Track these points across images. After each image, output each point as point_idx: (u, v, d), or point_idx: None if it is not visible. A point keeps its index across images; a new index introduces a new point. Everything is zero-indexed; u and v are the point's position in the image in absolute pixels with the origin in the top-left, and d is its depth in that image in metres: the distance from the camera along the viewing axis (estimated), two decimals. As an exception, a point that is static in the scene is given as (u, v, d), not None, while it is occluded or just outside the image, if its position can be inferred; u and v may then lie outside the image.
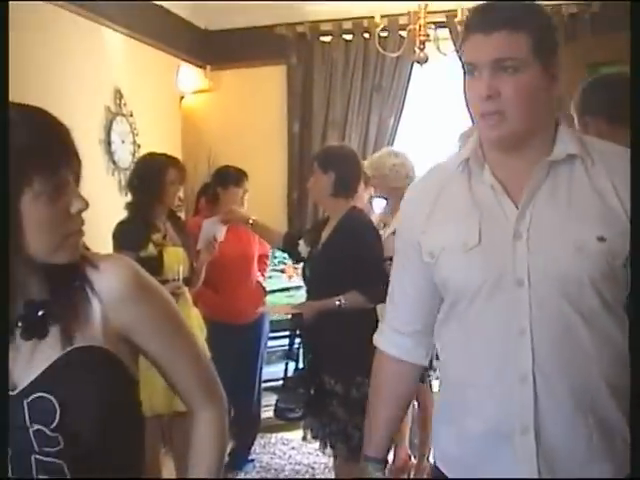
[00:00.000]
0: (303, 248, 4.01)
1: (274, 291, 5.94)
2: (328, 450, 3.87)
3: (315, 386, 3.73)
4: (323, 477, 5.09)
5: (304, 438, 4.02)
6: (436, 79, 6.29)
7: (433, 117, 6.54)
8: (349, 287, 3.70)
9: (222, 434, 1.72)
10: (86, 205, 1.45)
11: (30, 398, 1.38)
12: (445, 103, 6.32)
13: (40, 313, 1.42)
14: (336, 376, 3.69)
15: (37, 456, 1.32)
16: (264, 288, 5.41)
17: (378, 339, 2.15)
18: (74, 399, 1.39)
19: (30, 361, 1.41)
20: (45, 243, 1.41)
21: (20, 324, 1.41)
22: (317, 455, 5.47)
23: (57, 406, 1.37)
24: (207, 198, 5.42)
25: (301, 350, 4.02)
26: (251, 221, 4.33)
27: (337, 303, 3.68)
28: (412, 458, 4.75)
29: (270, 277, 5.95)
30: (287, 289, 6.14)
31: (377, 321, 2.21)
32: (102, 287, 1.49)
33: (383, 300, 2.16)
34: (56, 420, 1.37)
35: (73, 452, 1.39)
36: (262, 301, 5.34)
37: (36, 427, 1.32)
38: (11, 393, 1.38)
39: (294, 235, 4.25)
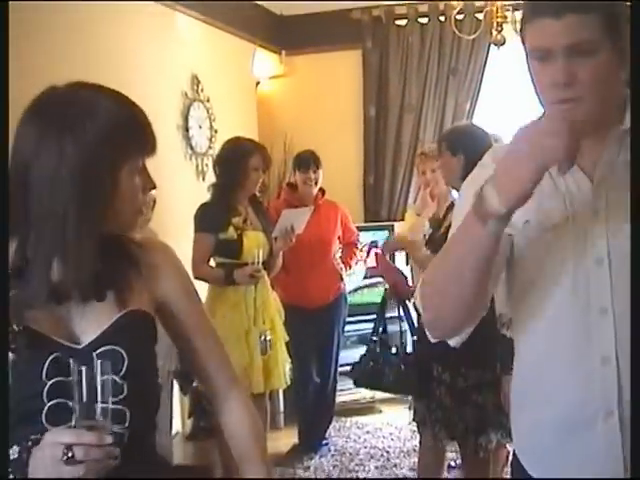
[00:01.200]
0: (426, 229, 3.98)
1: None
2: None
3: (423, 372, 3.74)
4: (397, 461, 5.09)
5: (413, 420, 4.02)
6: (514, 61, 6.18)
7: (511, 100, 6.45)
8: None
9: (256, 416, 1.81)
10: (155, 186, 1.61)
11: (99, 350, 1.50)
12: (524, 86, 6.23)
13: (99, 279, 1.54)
14: (443, 364, 3.65)
15: (103, 405, 1.38)
16: (341, 274, 5.42)
17: None
18: (136, 352, 1.54)
19: (90, 320, 1.53)
20: (126, 215, 1.57)
21: (77, 288, 1.52)
22: (392, 439, 5.50)
23: (125, 356, 1.51)
24: (288, 183, 5.50)
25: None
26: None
27: None
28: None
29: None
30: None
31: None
32: (144, 262, 1.64)
33: None
34: (124, 369, 1.50)
35: (135, 400, 1.51)
36: (338, 286, 5.36)
37: (105, 377, 1.38)
38: (77, 347, 1.50)
39: None
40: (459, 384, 3.62)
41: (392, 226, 6.22)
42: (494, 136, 4.09)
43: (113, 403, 1.41)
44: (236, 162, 4.29)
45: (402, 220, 6.06)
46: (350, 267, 5.59)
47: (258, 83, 6.70)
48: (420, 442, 4.05)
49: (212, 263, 4.32)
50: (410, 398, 4.10)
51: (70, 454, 1.30)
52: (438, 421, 3.71)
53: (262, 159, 4.38)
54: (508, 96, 6.45)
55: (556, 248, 1.75)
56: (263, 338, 4.30)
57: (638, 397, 1.61)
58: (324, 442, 5.37)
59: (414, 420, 3.95)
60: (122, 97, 1.55)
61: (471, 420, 3.61)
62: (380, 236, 6.07)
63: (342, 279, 5.45)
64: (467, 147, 3.60)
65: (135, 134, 1.54)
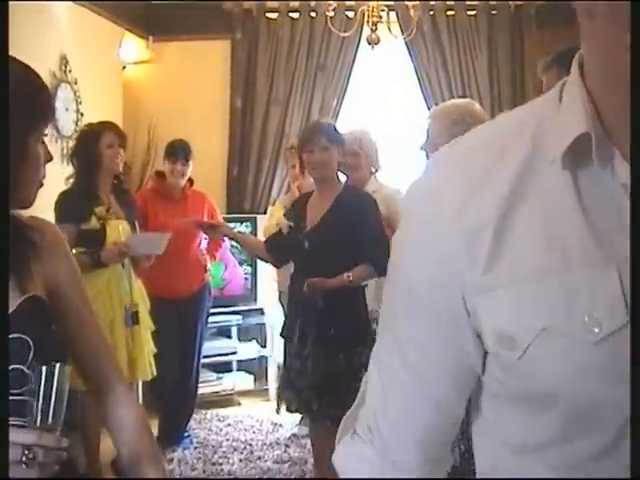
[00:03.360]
0: (284, 224, 3.98)
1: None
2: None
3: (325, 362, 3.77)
4: (261, 454, 5.10)
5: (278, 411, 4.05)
6: (384, 62, 6.33)
7: (380, 100, 6.58)
8: (354, 261, 3.75)
9: (141, 407, 1.79)
10: (52, 157, 1.60)
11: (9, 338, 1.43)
12: (394, 85, 6.40)
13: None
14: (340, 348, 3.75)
15: (11, 397, 1.35)
16: (205, 266, 5.37)
17: None
18: (41, 340, 1.46)
19: None
20: (31, 188, 1.55)
21: None
22: (254, 432, 5.50)
23: (31, 344, 1.44)
24: (156, 171, 5.38)
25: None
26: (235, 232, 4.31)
27: (348, 279, 3.74)
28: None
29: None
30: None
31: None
32: (38, 243, 1.56)
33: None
34: (29, 359, 1.43)
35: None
36: (202, 277, 5.31)
37: (12, 367, 1.34)
38: None
39: (272, 241, 4.19)
40: (354, 364, 3.74)
41: (255, 219, 6.22)
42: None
43: (18, 395, 1.37)
44: (89, 144, 4.27)
45: (265, 213, 6.07)
46: (215, 258, 5.55)
47: (124, 68, 6.54)
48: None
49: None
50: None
51: (31, 455, 1.26)
52: (333, 405, 3.74)
53: (114, 135, 4.33)
54: (375, 95, 6.60)
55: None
56: (130, 312, 4.24)
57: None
58: (185, 434, 5.31)
59: (287, 410, 4.02)
60: (22, 63, 1.51)
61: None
62: (243, 229, 6.06)
63: (207, 270, 5.40)
64: (342, 141, 3.93)
65: (40, 101, 1.52)
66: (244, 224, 6.18)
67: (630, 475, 1.72)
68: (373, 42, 5.29)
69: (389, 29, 5.42)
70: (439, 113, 3.34)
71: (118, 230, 4.23)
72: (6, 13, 1.52)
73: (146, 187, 5.42)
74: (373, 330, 4.38)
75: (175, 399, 5.28)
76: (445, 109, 3.36)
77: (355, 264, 3.78)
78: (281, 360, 4.43)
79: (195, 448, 5.18)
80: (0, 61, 1.45)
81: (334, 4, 5.56)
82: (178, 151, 5.05)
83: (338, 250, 3.77)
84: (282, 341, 4.17)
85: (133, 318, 4.26)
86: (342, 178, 4.12)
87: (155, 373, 4.48)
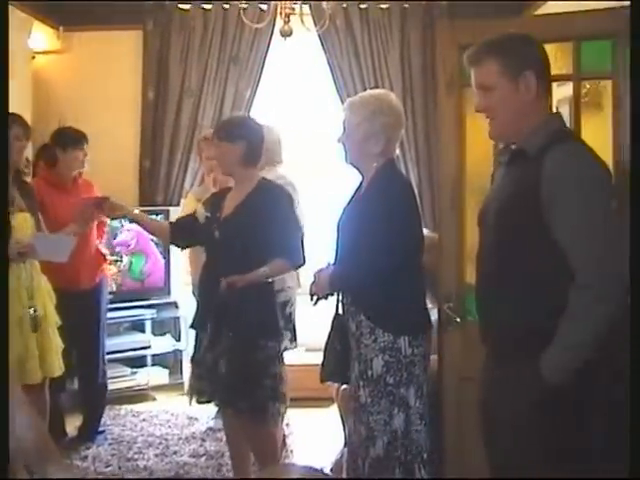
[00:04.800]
0: (201, 214, 3.94)
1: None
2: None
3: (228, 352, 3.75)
4: (177, 448, 5.06)
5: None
6: (297, 53, 6.35)
7: (294, 90, 6.60)
8: (265, 253, 3.74)
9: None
10: None
11: None
12: (307, 77, 6.42)
13: None
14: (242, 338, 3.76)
15: None
16: (104, 255, 5.29)
17: None
18: None
19: None
20: None
21: None
22: (169, 427, 5.46)
23: None
24: (45, 160, 5.21)
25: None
26: (135, 212, 4.24)
27: (264, 273, 3.73)
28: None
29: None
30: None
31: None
32: None
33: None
34: None
35: None
36: (102, 268, 5.23)
37: None
38: None
39: (180, 223, 4.16)
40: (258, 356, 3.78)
41: (168, 211, 6.15)
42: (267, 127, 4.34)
43: None
44: None
45: (178, 205, 6.02)
46: (100, 242, 5.43)
47: (34, 57, 6.39)
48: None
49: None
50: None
51: None
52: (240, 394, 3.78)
53: (20, 128, 4.24)
54: (288, 86, 6.61)
55: None
56: (32, 313, 4.14)
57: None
58: (100, 430, 5.23)
59: (198, 402, 4.01)
60: None
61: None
62: (155, 221, 5.99)
63: (106, 260, 5.33)
64: (246, 136, 3.85)
65: None
66: (158, 216, 6.11)
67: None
68: (286, 34, 5.27)
69: (302, 21, 5.41)
70: (356, 104, 3.35)
71: (21, 223, 4.14)
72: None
73: (38, 176, 5.22)
74: (280, 326, 4.40)
75: (84, 394, 5.22)
76: (363, 100, 3.37)
77: (265, 256, 3.75)
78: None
79: (109, 444, 5.11)
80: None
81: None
82: (67, 139, 4.93)
83: (247, 242, 3.75)
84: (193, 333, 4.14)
85: (34, 323, 4.15)
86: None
87: (64, 369, 4.40)
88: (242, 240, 3.75)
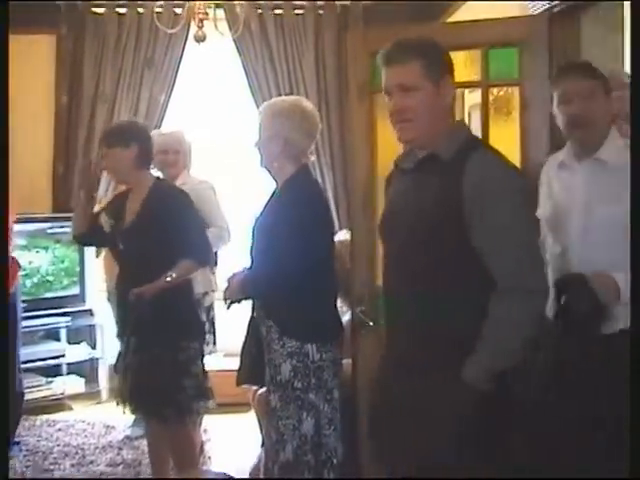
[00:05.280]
0: (106, 222, 3.91)
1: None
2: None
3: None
4: (93, 458, 4.99)
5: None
6: (213, 58, 6.35)
7: (209, 95, 6.59)
8: (172, 256, 3.74)
9: None
10: None
11: None
12: (222, 82, 6.42)
13: None
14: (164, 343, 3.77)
15: None
16: (18, 262, 5.20)
17: None
18: None
19: None
20: None
21: None
22: (85, 436, 5.39)
23: None
24: None
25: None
26: None
27: (168, 279, 3.71)
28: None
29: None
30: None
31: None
32: None
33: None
34: None
35: None
36: (14, 276, 5.13)
37: None
38: None
39: (89, 232, 4.13)
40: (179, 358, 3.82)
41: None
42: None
43: None
44: None
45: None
46: None
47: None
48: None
49: None
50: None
51: None
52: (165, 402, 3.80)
53: None
54: (204, 91, 6.60)
55: None
56: None
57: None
58: (14, 442, 5.13)
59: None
60: None
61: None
62: (69, 229, 5.91)
63: (20, 267, 5.24)
64: (137, 138, 3.86)
65: None
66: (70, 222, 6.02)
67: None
68: (200, 39, 5.26)
69: (216, 26, 5.41)
70: (270, 110, 3.37)
71: None
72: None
73: None
74: (202, 322, 4.42)
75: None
76: (275, 106, 3.39)
77: (172, 259, 3.75)
78: (112, 361, 4.37)
79: (24, 456, 5.02)
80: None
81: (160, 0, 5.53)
82: None
83: (151, 250, 3.75)
84: (115, 342, 4.11)
85: None
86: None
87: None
88: (146, 249, 3.75)
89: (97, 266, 5.82)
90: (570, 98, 2.88)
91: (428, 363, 2.42)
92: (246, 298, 3.35)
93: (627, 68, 4.04)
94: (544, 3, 4.02)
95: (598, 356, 2.77)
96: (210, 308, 4.82)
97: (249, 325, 3.50)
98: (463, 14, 5.34)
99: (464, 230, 2.36)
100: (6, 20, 1.50)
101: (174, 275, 3.73)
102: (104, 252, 5.61)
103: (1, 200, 1.15)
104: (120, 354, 3.93)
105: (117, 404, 4.02)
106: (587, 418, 2.76)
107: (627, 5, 3.96)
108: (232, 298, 3.33)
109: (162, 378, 3.73)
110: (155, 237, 3.74)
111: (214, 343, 4.90)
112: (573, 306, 2.76)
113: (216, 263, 4.79)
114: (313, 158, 3.48)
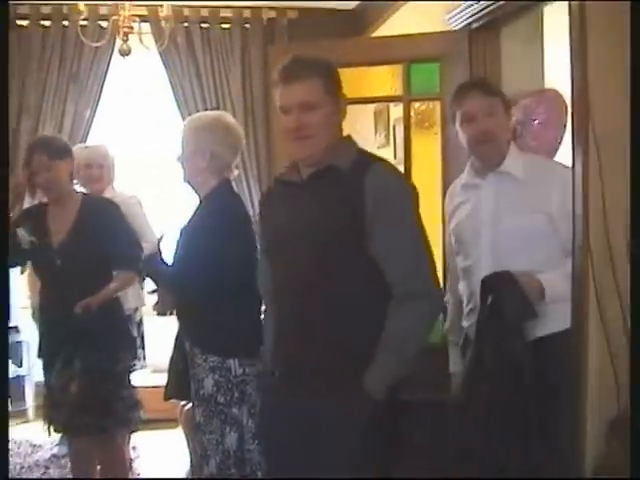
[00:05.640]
0: (24, 237, 3.81)
1: None
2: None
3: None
4: (20, 478, 4.91)
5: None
6: (140, 72, 6.32)
7: (135, 110, 6.55)
8: (109, 269, 3.81)
9: None
10: None
11: None
12: (149, 96, 6.39)
13: None
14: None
15: None
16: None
17: None
18: None
19: None
20: None
21: None
22: (12, 455, 5.28)
23: None
24: None
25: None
26: None
27: (114, 289, 3.81)
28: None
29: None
30: None
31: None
32: None
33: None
34: None
35: None
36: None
37: None
38: None
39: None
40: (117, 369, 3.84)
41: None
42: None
43: None
44: None
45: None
46: None
47: None
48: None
49: None
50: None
51: None
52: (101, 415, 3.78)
53: None
54: (130, 105, 6.56)
55: None
56: None
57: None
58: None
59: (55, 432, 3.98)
60: None
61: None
62: None
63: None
64: (71, 151, 3.93)
65: None
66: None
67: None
68: (124, 53, 5.25)
69: (141, 40, 5.39)
70: (193, 124, 3.37)
71: None
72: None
73: None
74: (133, 336, 4.40)
75: None
76: (199, 120, 3.39)
77: (111, 271, 3.81)
78: (39, 379, 4.31)
79: (-54, 476, 4.91)
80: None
81: (86, 12, 5.48)
82: None
83: (92, 263, 3.75)
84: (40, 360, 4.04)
85: None
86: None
87: None
88: (87, 262, 3.74)
89: (21, 282, 5.72)
90: (473, 116, 2.98)
91: (327, 377, 2.43)
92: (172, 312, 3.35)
93: (547, 81, 4.16)
94: (464, 18, 4.11)
95: (532, 359, 2.84)
96: (140, 323, 4.80)
97: (176, 340, 3.50)
98: (387, 29, 5.41)
99: (363, 239, 2.41)
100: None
101: (117, 286, 3.80)
102: (28, 269, 5.54)
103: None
104: (51, 371, 3.86)
105: (44, 424, 3.97)
106: (515, 422, 2.83)
107: (546, 19, 4.08)
108: (160, 311, 3.35)
109: (102, 388, 3.73)
110: (93, 251, 3.74)
111: (144, 358, 4.88)
112: (502, 304, 2.82)
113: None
114: (237, 172, 3.49)
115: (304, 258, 2.49)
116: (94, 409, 3.72)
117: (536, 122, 3.32)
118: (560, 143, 3.33)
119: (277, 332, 2.63)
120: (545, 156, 3.24)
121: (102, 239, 3.74)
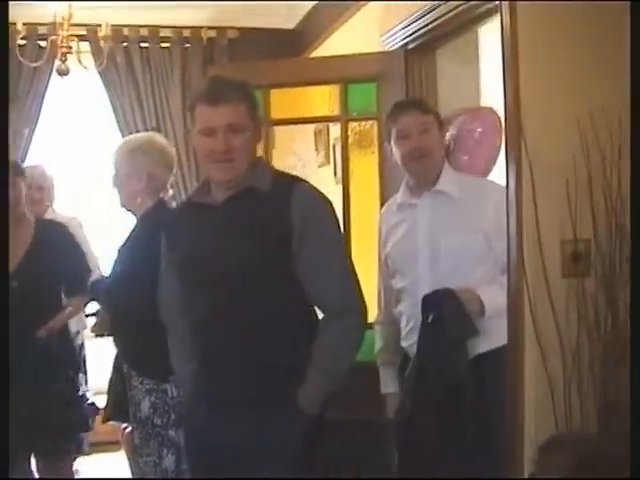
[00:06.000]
0: None
1: None
2: None
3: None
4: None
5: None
6: (80, 92, 6.27)
7: (74, 129, 6.50)
8: (67, 292, 3.87)
9: None
10: None
11: None
12: (89, 116, 6.34)
13: None
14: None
15: None
16: None
17: None
18: None
19: None
20: None
21: None
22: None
23: None
24: None
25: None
26: None
27: (71, 312, 3.86)
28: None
29: None
30: None
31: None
32: None
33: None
34: None
35: None
36: None
37: None
38: None
39: None
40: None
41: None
42: None
43: None
44: None
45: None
46: None
47: None
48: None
49: None
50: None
51: None
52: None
53: None
54: (70, 126, 6.51)
55: None
56: None
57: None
58: None
59: None
60: None
61: None
62: None
63: None
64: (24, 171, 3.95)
65: None
66: None
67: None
68: (63, 72, 5.22)
69: (79, 60, 5.36)
70: (126, 147, 3.36)
71: None
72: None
73: None
74: (77, 353, 4.37)
75: None
76: (132, 143, 3.38)
77: (63, 294, 3.84)
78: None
79: None
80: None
81: (23, 31, 5.44)
82: None
83: (48, 285, 3.77)
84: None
85: None
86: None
87: None
88: (41, 285, 3.72)
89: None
90: (408, 133, 3.02)
91: (259, 402, 2.45)
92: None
93: (483, 101, 4.23)
94: (401, 39, 4.16)
95: (473, 376, 2.88)
96: (82, 346, 4.75)
97: (114, 362, 3.48)
98: (325, 51, 5.46)
99: (289, 260, 2.43)
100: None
101: (73, 309, 3.85)
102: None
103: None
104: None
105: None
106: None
107: (482, 40, 4.15)
108: (97, 332, 3.36)
109: (55, 409, 3.71)
110: (50, 274, 3.75)
111: (86, 382, 4.81)
112: (443, 321, 2.85)
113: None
114: (172, 192, 3.50)
115: (224, 286, 2.46)
116: (48, 428, 3.69)
117: (471, 138, 3.36)
118: (495, 160, 3.38)
119: (200, 363, 2.60)
120: (480, 172, 3.28)
121: (56, 263, 3.74)
